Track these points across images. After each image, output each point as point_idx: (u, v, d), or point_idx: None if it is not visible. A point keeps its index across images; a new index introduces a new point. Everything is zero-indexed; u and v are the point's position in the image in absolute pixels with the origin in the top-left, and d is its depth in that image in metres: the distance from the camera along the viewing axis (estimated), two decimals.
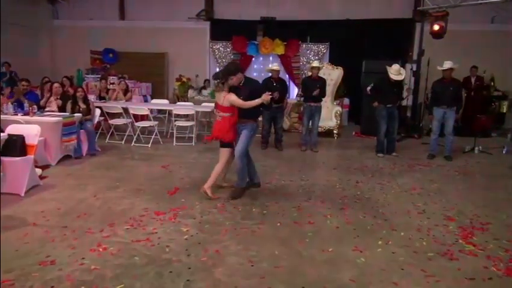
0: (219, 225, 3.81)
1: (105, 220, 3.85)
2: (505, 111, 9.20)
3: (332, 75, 8.81)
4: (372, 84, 7.09)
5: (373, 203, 4.58)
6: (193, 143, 7.63)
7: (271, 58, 10.80)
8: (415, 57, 9.89)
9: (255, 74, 11.03)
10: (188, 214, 4.08)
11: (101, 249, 3.24)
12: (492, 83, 9.73)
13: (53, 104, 6.80)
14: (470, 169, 6.22)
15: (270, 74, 7.22)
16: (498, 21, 9.85)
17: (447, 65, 6.56)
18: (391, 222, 4.00)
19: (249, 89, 4.48)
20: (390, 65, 6.85)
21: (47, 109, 6.70)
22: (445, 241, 3.57)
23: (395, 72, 6.67)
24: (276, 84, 6.98)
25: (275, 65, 7.48)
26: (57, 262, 3.01)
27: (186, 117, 8.35)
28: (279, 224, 3.88)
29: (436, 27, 7.60)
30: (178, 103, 9.26)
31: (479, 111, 8.71)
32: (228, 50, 11.24)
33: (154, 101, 9.44)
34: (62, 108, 6.59)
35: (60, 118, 5.91)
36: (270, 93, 4.34)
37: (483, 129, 8.62)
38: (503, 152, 7.44)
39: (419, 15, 9.63)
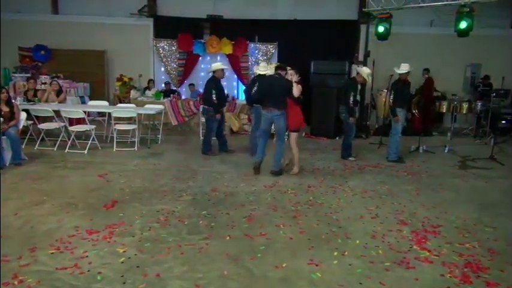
0: (161, 243, 3.41)
1: (25, 244, 3.30)
2: (444, 111, 9.59)
3: None
4: (352, 98, 6.43)
5: (326, 208, 4.42)
6: (135, 148, 7.08)
7: (218, 57, 10.42)
8: (361, 58, 10.05)
9: (202, 73, 10.61)
10: (126, 231, 3.63)
11: (16, 282, 2.72)
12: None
13: None
14: (417, 169, 6.31)
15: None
16: (437, 25, 10.28)
17: (405, 67, 6.59)
18: (346, 229, 3.84)
19: None
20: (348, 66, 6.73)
21: None
22: (400, 248, 3.46)
23: (368, 75, 6.52)
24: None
25: (219, 64, 6.99)
26: None
27: (129, 120, 7.78)
28: (228, 238, 3.56)
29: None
30: (119, 105, 8.63)
31: (423, 111, 9.00)
32: (173, 48, 10.70)
33: (92, 102, 8.70)
34: None
35: None
36: None
37: (426, 128, 8.93)
38: (445, 151, 7.69)
39: (364, 16, 9.77)
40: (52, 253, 3.16)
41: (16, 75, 10.09)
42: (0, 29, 9.80)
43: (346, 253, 3.33)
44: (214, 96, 6.58)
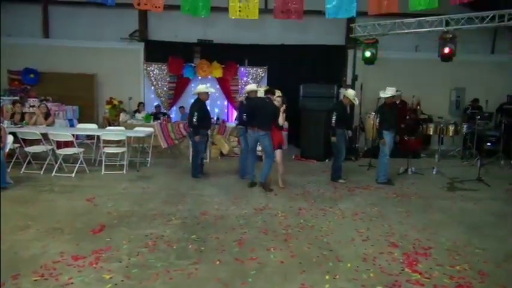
0: (149, 269, 3.33)
1: (8, 270, 3.19)
2: (431, 133, 9.73)
3: None
4: (335, 118, 6.56)
5: (317, 231, 4.39)
6: (124, 171, 7.00)
7: (209, 81, 10.51)
8: (349, 82, 10.24)
9: (192, 96, 10.65)
10: (113, 257, 3.54)
11: None
12: (419, 107, 10.33)
13: None
14: (406, 191, 6.35)
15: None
16: (422, 50, 10.61)
17: (391, 91, 6.74)
18: (337, 252, 3.81)
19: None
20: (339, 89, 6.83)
21: None
22: (392, 271, 3.44)
23: (354, 96, 6.69)
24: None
25: (203, 87, 7.02)
26: None
27: (118, 143, 7.72)
28: (218, 263, 3.50)
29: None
30: (108, 127, 8.58)
31: (408, 133, 9.10)
32: (164, 72, 10.78)
33: (81, 125, 8.64)
34: None
35: None
36: None
37: (414, 150, 9.02)
38: (433, 172, 7.77)
39: (351, 42, 10.02)
40: (36, 280, 3.06)
41: (4, 98, 10.00)
42: (0, 51, 9.73)
43: (337, 277, 3.29)
44: (195, 118, 6.60)
